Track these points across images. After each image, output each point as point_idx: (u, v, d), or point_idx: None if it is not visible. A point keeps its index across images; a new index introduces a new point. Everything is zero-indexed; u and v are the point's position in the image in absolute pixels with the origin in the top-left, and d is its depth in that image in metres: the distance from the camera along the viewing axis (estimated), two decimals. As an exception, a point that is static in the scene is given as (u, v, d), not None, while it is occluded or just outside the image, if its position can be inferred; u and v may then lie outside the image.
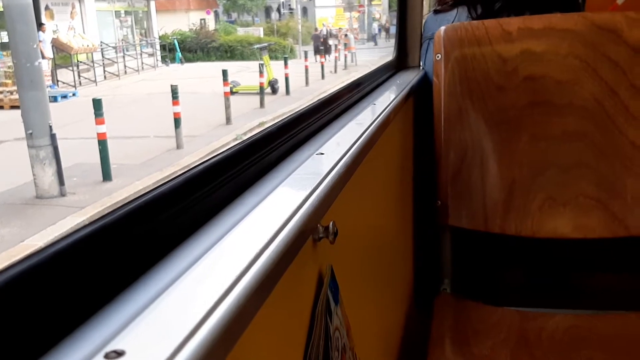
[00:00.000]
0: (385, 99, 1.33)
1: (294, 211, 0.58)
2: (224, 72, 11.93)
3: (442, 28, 1.55)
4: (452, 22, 1.67)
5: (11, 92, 13.90)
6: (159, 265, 0.47)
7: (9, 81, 14.88)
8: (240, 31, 29.39)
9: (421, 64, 1.90)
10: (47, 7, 17.79)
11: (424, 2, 1.95)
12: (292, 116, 0.90)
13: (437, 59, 1.54)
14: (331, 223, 0.67)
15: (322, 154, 0.82)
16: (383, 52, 23.88)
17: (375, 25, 36.11)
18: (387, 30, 34.50)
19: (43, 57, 16.67)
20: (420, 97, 1.65)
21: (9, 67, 14.86)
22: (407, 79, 1.67)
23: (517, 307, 1.53)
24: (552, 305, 1.57)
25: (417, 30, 1.91)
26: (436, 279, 1.63)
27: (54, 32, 17.78)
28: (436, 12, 1.80)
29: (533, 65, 1.50)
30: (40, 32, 16.80)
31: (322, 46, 22.90)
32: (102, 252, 0.44)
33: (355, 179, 0.84)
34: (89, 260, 0.43)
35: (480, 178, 1.55)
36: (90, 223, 0.44)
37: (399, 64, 1.90)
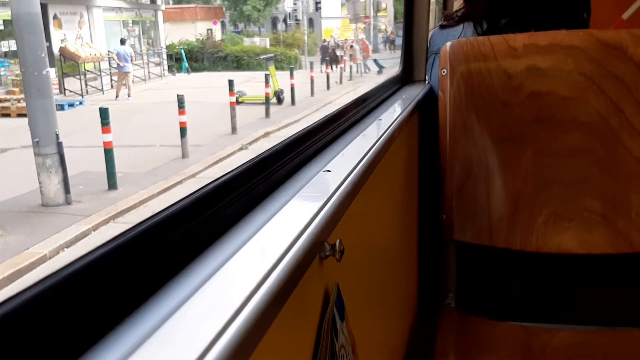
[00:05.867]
0: (391, 115, 1.34)
1: (301, 231, 0.59)
2: (230, 82, 11.99)
3: (448, 43, 1.55)
4: (458, 37, 1.68)
5: (18, 100, 14.00)
6: (168, 286, 0.48)
7: (17, 89, 15.00)
8: (247, 41, 29.55)
9: (427, 78, 1.91)
10: (55, 17, 17.92)
11: (430, 17, 1.96)
12: (299, 133, 0.91)
13: (443, 74, 1.55)
14: (338, 241, 0.68)
15: (329, 171, 0.82)
16: (387, 64, 23.97)
17: (380, 36, 36.27)
18: (392, 42, 34.56)
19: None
20: (425, 111, 1.66)
21: (16, 75, 14.98)
22: (413, 94, 1.68)
23: (521, 322, 1.53)
24: (557, 320, 1.57)
25: (423, 45, 1.93)
26: (440, 293, 1.63)
27: (62, 41, 17.89)
28: (442, 27, 1.81)
29: (538, 81, 1.51)
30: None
31: (328, 57, 22.98)
32: (110, 275, 0.45)
33: (362, 196, 0.85)
34: (97, 283, 0.43)
35: (485, 193, 1.55)
36: (100, 246, 0.45)
37: (404, 78, 1.91)
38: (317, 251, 0.63)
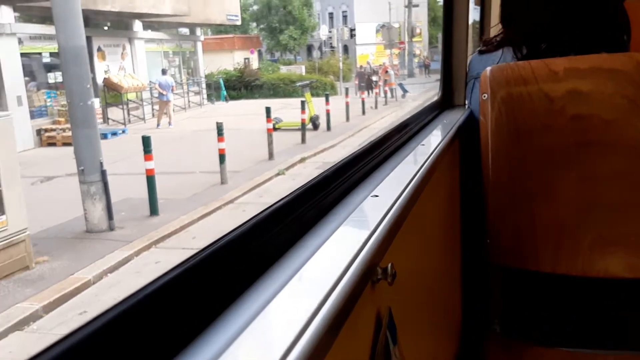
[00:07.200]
0: (434, 140, 1.36)
1: (354, 255, 0.60)
2: (267, 109, 12.17)
3: (488, 68, 1.57)
4: (497, 62, 1.69)
5: (64, 130, 14.50)
6: (223, 316, 0.48)
7: (62, 119, 15.54)
8: (283, 69, 29.98)
9: (466, 102, 1.92)
10: (99, 49, 18.54)
11: (469, 43, 1.98)
12: (346, 159, 0.93)
13: (484, 98, 1.56)
14: (389, 265, 0.69)
15: (377, 196, 0.84)
16: (422, 88, 24.12)
17: (415, 60, 36.40)
18: (427, 67, 34.64)
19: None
20: (466, 135, 1.67)
21: (62, 106, 15.52)
22: (453, 119, 1.69)
23: (568, 348, 1.51)
24: (604, 346, 1.54)
25: (462, 70, 1.94)
26: (486, 319, 1.61)
27: (106, 72, 18.47)
28: (481, 52, 1.82)
29: (580, 105, 1.50)
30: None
31: (363, 82, 23.13)
32: (166, 306, 0.46)
33: (410, 220, 0.86)
34: (154, 315, 0.45)
35: (530, 217, 1.54)
36: (156, 278, 0.46)
37: (444, 103, 1.93)
38: (369, 275, 0.64)
